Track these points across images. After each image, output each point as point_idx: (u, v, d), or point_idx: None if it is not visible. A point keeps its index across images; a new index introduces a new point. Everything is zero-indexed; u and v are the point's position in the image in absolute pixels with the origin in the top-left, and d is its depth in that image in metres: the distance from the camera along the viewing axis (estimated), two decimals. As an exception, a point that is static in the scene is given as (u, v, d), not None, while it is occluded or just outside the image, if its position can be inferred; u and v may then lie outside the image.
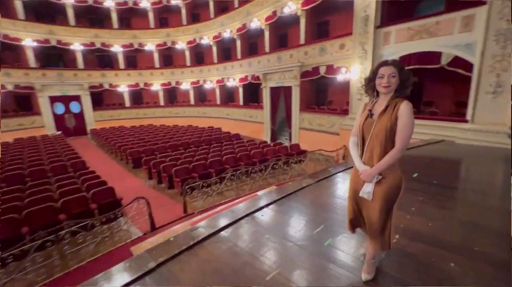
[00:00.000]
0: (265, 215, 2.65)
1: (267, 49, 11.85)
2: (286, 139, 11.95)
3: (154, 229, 4.65)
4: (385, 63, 1.44)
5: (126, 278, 1.74)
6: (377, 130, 1.42)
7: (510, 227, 2.15)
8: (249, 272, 1.80)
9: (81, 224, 3.98)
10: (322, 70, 9.11)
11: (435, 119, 6.38)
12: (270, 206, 2.83)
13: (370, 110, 1.49)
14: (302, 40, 10.02)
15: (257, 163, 7.26)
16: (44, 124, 14.79)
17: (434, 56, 6.09)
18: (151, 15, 16.85)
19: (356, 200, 1.58)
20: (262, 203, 2.87)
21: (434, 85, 7.71)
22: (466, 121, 5.75)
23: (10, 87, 13.53)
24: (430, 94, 8.00)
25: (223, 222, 2.46)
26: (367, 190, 1.46)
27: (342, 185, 3.53)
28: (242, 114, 14.03)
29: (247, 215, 2.61)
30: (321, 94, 11.36)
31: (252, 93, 14.25)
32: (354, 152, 1.56)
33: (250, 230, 2.40)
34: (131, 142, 10.65)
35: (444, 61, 5.96)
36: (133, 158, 8.72)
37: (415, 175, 3.77)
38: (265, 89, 11.82)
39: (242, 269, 1.83)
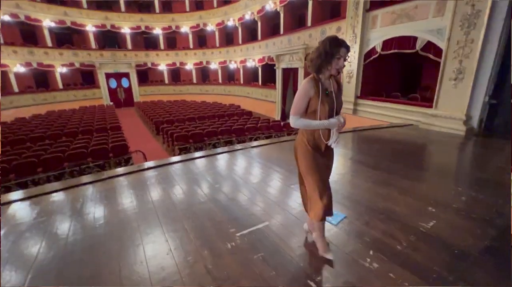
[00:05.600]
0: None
1: (281, 31, 12.36)
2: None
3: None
4: (346, 45, 1.44)
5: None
6: (338, 106, 1.56)
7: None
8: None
9: (98, 163, 5.91)
10: (322, 53, 9.45)
11: (405, 103, 6.57)
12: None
13: (326, 89, 1.52)
14: (309, 22, 10.34)
15: (247, 135, 8.45)
16: (102, 96, 18.18)
17: (410, 41, 6.19)
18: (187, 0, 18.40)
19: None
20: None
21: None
22: (431, 107, 5.91)
23: (77, 65, 16.92)
24: (430, 79, 7.85)
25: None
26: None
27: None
28: (260, 93, 15.01)
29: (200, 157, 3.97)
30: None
31: (271, 74, 14.96)
32: (316, 122, 1.52)
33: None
34: (159, 114, 12.77)
35: (418, 46, 6.05)
36: (156, 126, 10.74)
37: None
38: (278, 70, 12.52)
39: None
